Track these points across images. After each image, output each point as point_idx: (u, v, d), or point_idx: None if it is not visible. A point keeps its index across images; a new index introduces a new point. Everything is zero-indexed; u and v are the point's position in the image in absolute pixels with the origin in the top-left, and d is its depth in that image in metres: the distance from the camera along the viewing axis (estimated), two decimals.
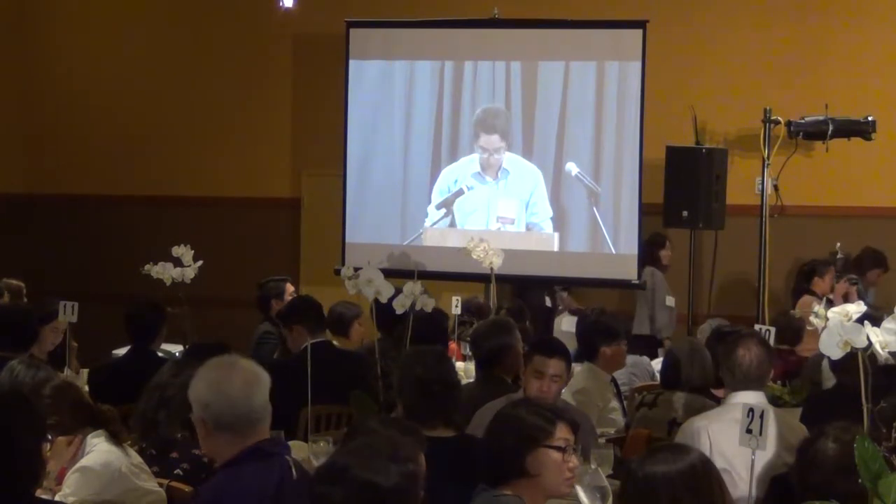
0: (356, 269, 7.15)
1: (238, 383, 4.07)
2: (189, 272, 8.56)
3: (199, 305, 8.73)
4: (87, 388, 7.09)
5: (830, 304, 5.51)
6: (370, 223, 11.54)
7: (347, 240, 11.52)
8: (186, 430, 5.14)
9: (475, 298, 9.70)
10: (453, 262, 10.45)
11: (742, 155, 11.55)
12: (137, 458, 5.16)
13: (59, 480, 5.03)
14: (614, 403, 7.39)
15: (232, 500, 4.02)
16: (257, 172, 12.87)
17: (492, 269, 9.27)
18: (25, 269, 10.73)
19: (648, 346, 10.42)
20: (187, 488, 5.06)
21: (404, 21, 11.67)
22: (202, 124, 13.01)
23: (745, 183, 11.35)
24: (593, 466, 4.52)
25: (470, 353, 7.83)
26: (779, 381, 7.48)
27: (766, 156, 10.86)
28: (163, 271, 8.55)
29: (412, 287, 7.07)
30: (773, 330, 6.87)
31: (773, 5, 11.80)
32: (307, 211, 12.84)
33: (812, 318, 5.29)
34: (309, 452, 5.37)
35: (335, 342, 8.02)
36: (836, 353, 4.44)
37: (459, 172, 11.32)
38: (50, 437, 4.77)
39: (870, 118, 10.77)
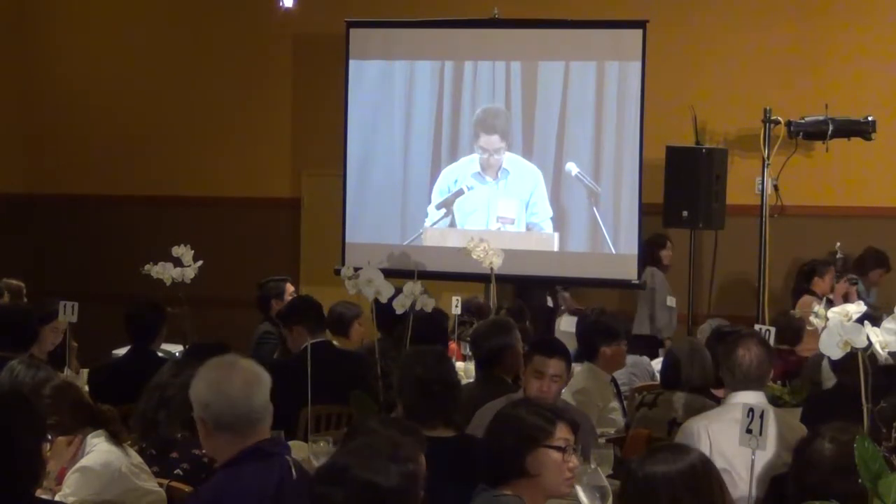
0: (356, 269, 7.15)
1: (238, 383, 4.07)
2: (189, 272, 8.56)
3: (199, 305, 8.73)
4: (87, 388, 7.09)
5: (830, 304, 5.50)
6: (370, 223, 11.54)
7: (347, 240, 11.52)
8: (186, 430, 5.14)
9: (475, 298, 9.69)
10: (453, 262, 10.45)
11: (742, 155, 11.55)
12: (137, 458, 5.16)
13: (59, 480, 5.03)
14: (614, 403, 7.39)
15: (231, 500, 4.02)
16: (257, 172, 12.87)
17: (492, 269, 9.27)
18: (25, 269, 10.74)
19: (649, 346, 10.41)
20: (187, 488, 5.06)
21: (404, 21, 11.67)
22: (202, 124, 13.01)
23: (745, 183, 11.35)
24: (593, 466, 4.51)
25: (470, 353, 7.83)
26: (779, 381, 7.48)
27: (766, 156, 10.86)
28: (163, 271, 8.55)
29: (412, 287, 7.07)
30: (773, 330, 6.86)
31: (773, 5, 11.80)
32: (307, 211, 12.84)
33: (812, 318, 5.28)
34: (309, 452, 5.37)
35: (335, 342, 8.02)
36: (836, 353, 4.44)
37: (459, 172, 11.32)
38: (50, 437, 4.77)
39: (870, 118, 10.77)
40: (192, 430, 4.39)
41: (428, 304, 7.17)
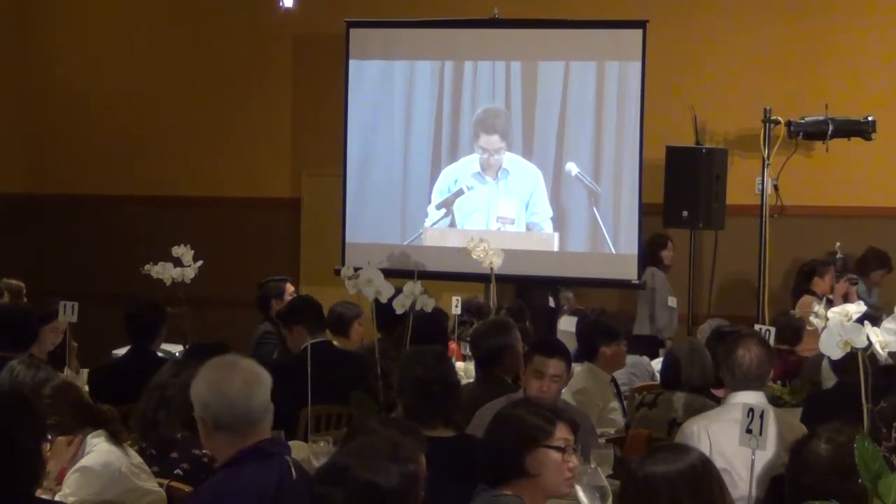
0: (356, 269, 7.15)
1: (238, 383, 4.06)
2: (189, 272, 8.55)
3: (199, 305, 8.73)
4: (87, 388, 7.09)
5: (830, 304, 5.50)
6: (370, 223, 11.54)
7: (347, 240, 11.52)
8: (186, 430, 5.14)
9: (475, 298, 9.70)
10: (453, 262, 10.45)
11: (742, 155, 11.55)
12: (137, 458, 5.16)
13: (59, 480, 5.03)
14: (614, 403, 7.39)
15: (231, 499, 4.02)
16: (257, 172, 12.87)
17: (492, 269, 9.27)
18: (25, 269, 10.74)
19: (650, 346, 10.41)
20: (187, 488, 5.06)
21: (404, 21, 11.67)
22: (202, 124, 13.01)
23: (745, 183, 11.35)
24: (593, 466, 4.51)
25: (470, 353, 7.82)
26: (779, 381, 7.48)
27: (766, 156, 10.86)
28: (163, 271, 8.54)
29: (412, 287, 7.07)
30: (773, 330, 6.87)
31: (773, 5, 11.80)
32: (307, 211, 12.84)
33: (812, 318, 5.27)
34: (309, 452, 5.37)
35: (335, 342, 8.02)
36: (836, 353, 4.43)
37: (459, 172, 11.32)
38: (50, 437, 4.77)
39: (870, 118, 10.77)
40: (192, 430, 4.39)
41: (428, 304, 7.17)
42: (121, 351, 8.01)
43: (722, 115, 11.64)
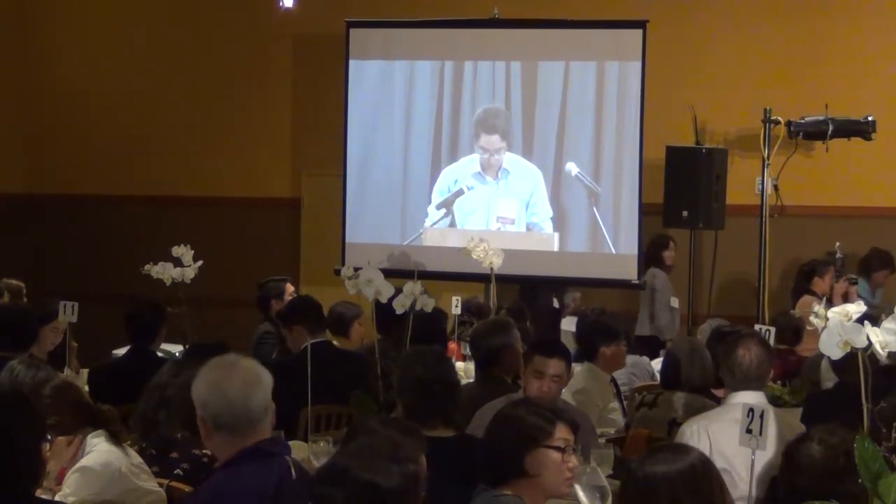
0: (356, 269, 7.15)
1: (237, 383, 4.06)
2: (189, 272, 8.55)
3: (199, 305, 8.73)
4: (87, 388, 7.09)
5: (830, 304, 5.50)
6: (370, 223, 11.54)
7: (347, 240, 11.52)
8: (186, 430, 5.15)
9: (475, 298, 9.70)
10: (453, 262, 10.45)
11: (742, 155, 11.55)
12: (137, 458, 5.16)
13: (59, 480, 5.03)
14: (614, 403, 7.39)
15: (231, 499, 4.01)
16: (257, 172, 12.87)
17: (492, 269, 9.27)
18: (25, 269, 10.74)
19: (652, 347, 10.40)
20: (187, 488, 5.06)
21: (404, 21, 11.67)
22: (202, 124, 13.01)
23: (745, 183, 11.35)
24: (592, 465, 4.51)
25: (470, 353, 7.82)
26: (779, 381, 7.48)
27: (766, 156, 10.86)
28: (163, 271, 8.54)
29: (412, 287, 7.08)
30: (773, 330, 6.87)
31: (772, 6, 11.80)
32: (307, 211, 12.84)
33: (812, 318, 5.27)
34: (309, 452, 5.37)
35: (335, 342, 8.02)
36: (836, 353, 4.43)
37: (459, 172, 11.32)
38: (50, 437, 4.77)
39: (870, 118, 10.78)
40: (192, 430, 4.39)
41: (428, 304, 7.17)
42: (121, 351, 8.01)
43: (722, 115, 11.64)
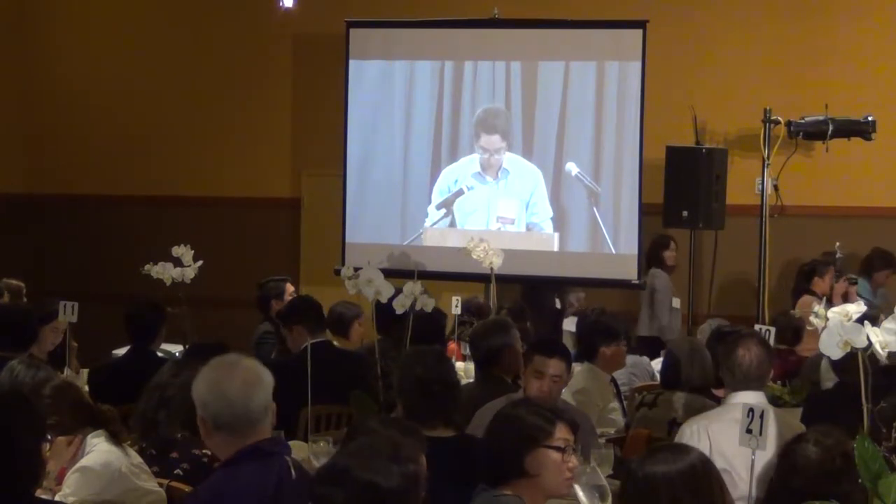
0: (356, 269, 7.16)
1: (237, 383, 4.06)
2: (189, 272, 8.55)
3: (199, 305, 8.73)
4: (87, 388, 7.09)
5: (830, 304, 5.51)
6: (370, 223, 11.54)
7: (347, 240, 11.52)
8: (186, 430, 5.14)
9: (475, 298, 9.69)
10: (453, 262, 10.45)
11: (742, 155, 11.55)
12: (137, 458, 5.16)
13: (59, 480, 5.03)
14: (614, 403, 7.39)
15: (230, 499, 4.01)
16: (257, 172, 12.87)
17: (492, 269, 9.27)
18: (25, 269, 10.74)
19: (653, 348, 10.38)
20: (187, 488, 5.05)
21: (404, 21, 11.67)
22: (202, 124, 13.01)
23: (745, 183, 11.35)
24: (592, 465, 4.52)
25: (470, 353, 7.82)
26: (779, 381, 7.48)
27: (766, 156, 10.86)
28: (163, 271, 8.54)
29: (412, 287, 7.08)
30: (773, 330, 6.86)
31: (773, 5, 11.80)
32: (307, 211, 12.84)
33: (812, 318, 5.28)
34: (309, 452, 5.37)
35: (335, 342, 8.02)
36: (836, 353, 4.44)
37: (459, 172, 11.32)
38: (50, 437, 4.77)
39: (870, 118, 10.78)
40: (192, 430, 4.39)
41: (428, 304, 7.17)
42: (121, 351, 8.00)
43: (722, 115, 11.64)
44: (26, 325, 7.25)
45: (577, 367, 7.05)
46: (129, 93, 13.16)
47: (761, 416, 4.25)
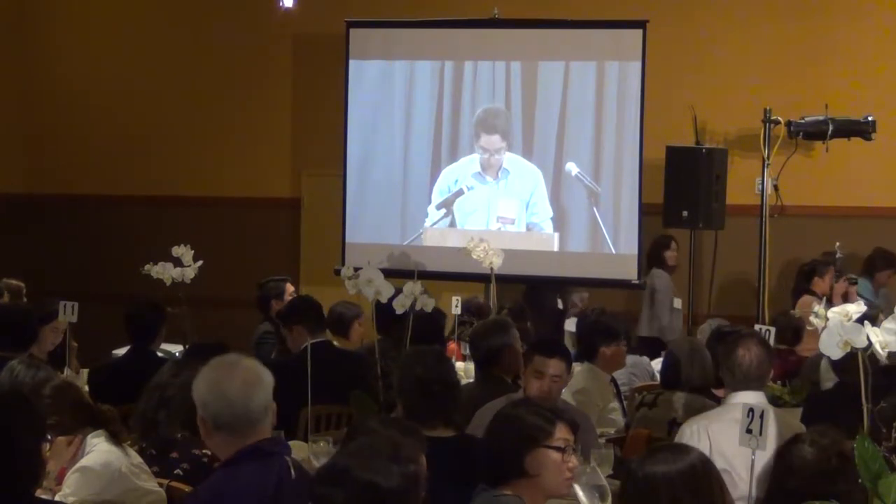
0: (356, 269, 7.16)
1: (237, 384, 4.06)
2: (189, 272, 8.55)
3: (199, 305, 8.73)
4: (87, 388, 7.09)
5: (830, 304, 5.51)
6: (370, 223, 11.54)
7: (347, 240, 11.53)
8: (186, 430, 5.14)
9: (475, 298, 9.69)
10: (453, 262, 10.45)
11: (742, 155, 11.55)
12: (137, 458, 5.16)
13: (59, 480, 5.03)
14: (614, 403, 7.39)
15: (230, 499, 4.01)
16: (257, 172, 12.87)
17: (492, 269, 9.27)
18: (25, 269, 10.73)
19: (654, 348, 10.37)
20: (187, 488, 5.05)
21: (404, 21, 11.67)
22: (202, 124, 13.01)
23: (745, 183, 11.35)
24: (592, 465, 4.52)
25: (470, 353, 7.82)
26: (779, 381, 7.48)
27: (766, 156, 10.86)
28: (163, 271, 8.54)
29: (412, 287, 7.08)
30: (773, 330, 6.86)
31: (773, 5, 11.80)
32: (307, 211, 12.84)
33: (812, 318, 5.28)
34: (309, 452, 5.37)
35: (335, 342, 8.02)
36: (836, 353, 4.43)
37: (459, 172, 11.32)
38: (50, 437, 4.77)
39: (870, 118, 10.77)
40: (192, 430, 4.39)
41: (428, 304, 7.17)
42: (121, 351, 8.00)
43: (722, 115, 11.65)
44: (26, 325, 7.25)
45: (577, 367, 7.05)
46: (129, 93, 13.17)
47: (761, 417, 4.25)
